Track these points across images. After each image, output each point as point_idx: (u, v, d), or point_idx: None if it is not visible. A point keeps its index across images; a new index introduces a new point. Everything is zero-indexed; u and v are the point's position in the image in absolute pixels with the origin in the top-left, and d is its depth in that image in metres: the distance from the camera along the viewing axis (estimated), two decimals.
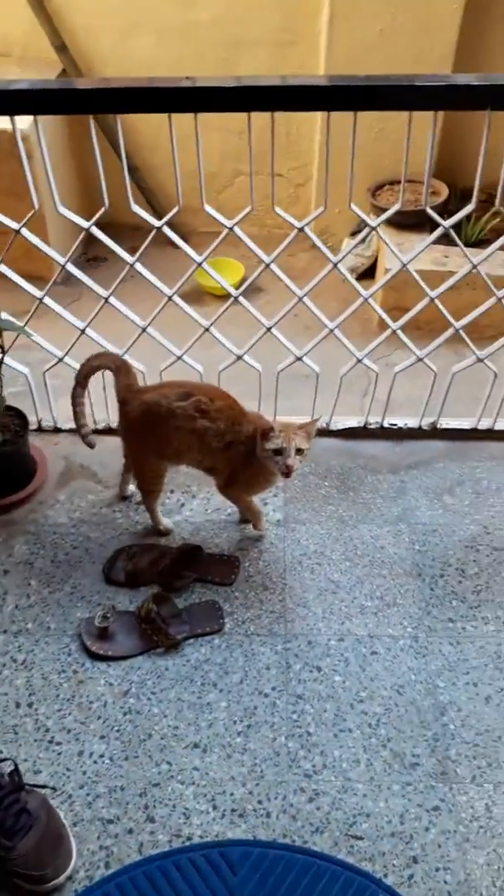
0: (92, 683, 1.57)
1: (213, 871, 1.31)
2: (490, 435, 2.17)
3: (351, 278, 1.91)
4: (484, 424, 2.15)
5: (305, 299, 1.88)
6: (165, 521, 1.89)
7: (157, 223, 1.74)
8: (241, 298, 1.89)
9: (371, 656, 1.63)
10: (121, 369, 1.74)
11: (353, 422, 2.16)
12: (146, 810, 1.39)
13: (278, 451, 1.57)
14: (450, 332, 1.94)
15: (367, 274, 3.45)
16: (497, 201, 1.73)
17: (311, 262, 3.50)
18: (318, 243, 1.84)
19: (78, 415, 1.75)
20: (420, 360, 1.98)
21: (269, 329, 1.93)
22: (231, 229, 1.75)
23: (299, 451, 1.58)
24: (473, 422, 2.16)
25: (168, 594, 1.71)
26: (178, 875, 1.30)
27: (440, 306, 1.88)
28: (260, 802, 1.40)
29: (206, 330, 1.91)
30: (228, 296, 1.90)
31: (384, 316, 1.95)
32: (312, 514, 1.94)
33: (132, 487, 1.95)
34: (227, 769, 1.44)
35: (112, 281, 1.85)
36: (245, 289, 1.94)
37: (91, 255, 3.28)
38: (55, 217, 1.74)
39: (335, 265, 1.84)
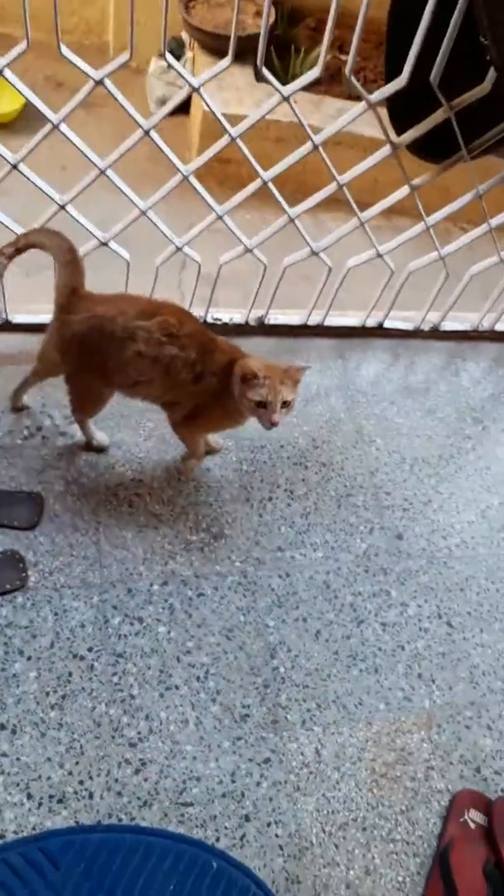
0: None
1: (33, 869, 1.18)
2: (319, 331, 2.00)
3: (163, 148, 1.53)
4: (314, 320, 1.97)
5: (63, 127, 1.41)
6: (100, 435, 1.61)
7: None
8: None
9: (197, 599, 1.50)
10: (70, 262, 1.36)
11: None
12: None
13: (262, 404, 1.31)
14: (256, 184, 1.59)
15: (180, 108, 2.96)
16: (326, 34, 1.35)
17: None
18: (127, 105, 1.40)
19: None
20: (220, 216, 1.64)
21: (14, 167, 1.46)
22: None
23: (285, 403, 1.33)
24: (303, 316, 1.96)
25: None
26: None
27: (243, 148, 1.51)
28: (81, 783, 1.27)
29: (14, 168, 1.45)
30: (7, 124, 1.44)
31: (175, 161, 1.53)
32: (129, 432, 1.69)
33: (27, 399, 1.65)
34: (41, 750, 1.28)
35: None
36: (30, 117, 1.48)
37: None
38: None
39: (146, 134, 1.43)
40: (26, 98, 1.36)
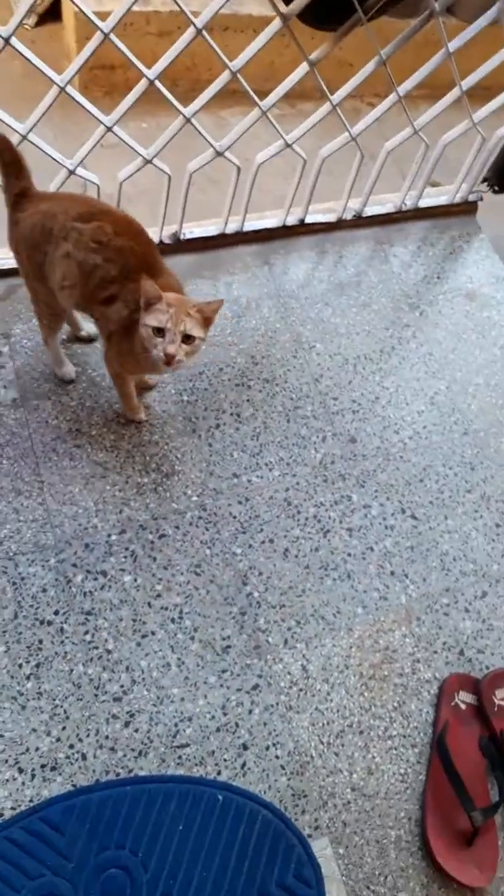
0: None
1: (37, 839, 1.16)
2: (238, 238, 1.88)
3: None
4: (232, 227, 1.85)
5: None
6: (68, 367, 1.55)
7: None
8: None
9: (159, 541, 1.45)
10: (14, 160, 1.28)
11: None
12: None
13: (160, 331, 1.19)
14: (142, 85, 1.43)
15: (51, 15, 2.68)
16: None
17: None
18: None
19: None
20: (111, 130, 1.48)
21: None
22: None
23: (188, 338, 1.20)
24: (220, 226, 1.84)
25: None
26: None
27: (118, 43, 1.34)
28: (72, 747, 1.24)
29: None
30: None
31: (47, 71, 1.35)
32: (55, 383, 1.58)
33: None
34: (24, 723, 1.24)
35: None
36: None
37: None
38: None
39: None
40: None
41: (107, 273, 1.28)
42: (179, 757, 1.26)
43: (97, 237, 1.25)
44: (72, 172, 1.50)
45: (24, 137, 1.42)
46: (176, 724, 1.28)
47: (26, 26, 2.58)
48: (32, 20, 2.58)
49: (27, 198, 1.31)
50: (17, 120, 1.42)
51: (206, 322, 1.24)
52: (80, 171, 1.51)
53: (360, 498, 1.58)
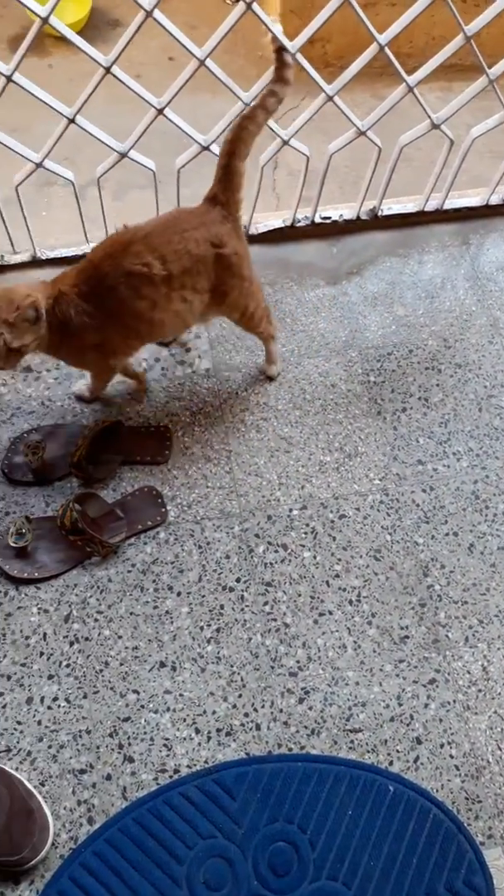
0: (22, 614, 1.31)
1: (211, 800, 1.19)
2: (438, 216, 1.80)
3: None
4: (432, 205, 1.77)
5: (157, 15, 1.23)
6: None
7: None
8: (54, 21, 1.21)
9: (340, 521, 1.43)
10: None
11: (277, 221, 1.72)
12: (121, 750, 1.22)
13: None
14: (370, 51, 1.37)
15: None
16: None
17: None
18: None
19: None
20: (330, 98, 1.43)
21: (107, 70, 1.30)
22: None
23: (15, 351, 1.18)
24: (420, 202, 1.77)
25: (93, 491, 1.40)
26: (172, 814, 1.17)
27: (357, 9, 1.29)
28: (246, 715, 1.26)
29: (9, 80, 1.28)
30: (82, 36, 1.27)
31: (278, 34, 1.27)
32: (247, 354, 1.59)
33: None
34: (202, 685, 1.27)
35: None
36: (94, 23, 1.33)
37: None
38: None
39: None
40: None
41: None
42: (352, 741, 1.24)
43: None
44: (286, 142, 1.49)
45: (246, 104, 1.41)
46: (350, 708, 1.26)
47: (228, 2, 2.60)
48: None
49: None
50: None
51: (35, 319, 1.18)
52: (293, 141, 1.50)
53: None
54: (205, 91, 1.36)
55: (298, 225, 1.71)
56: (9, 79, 1.25)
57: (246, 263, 1.34)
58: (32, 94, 1.29)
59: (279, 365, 1.57)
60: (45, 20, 1.19)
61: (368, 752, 1.24)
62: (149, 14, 1.21)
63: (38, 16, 1.19)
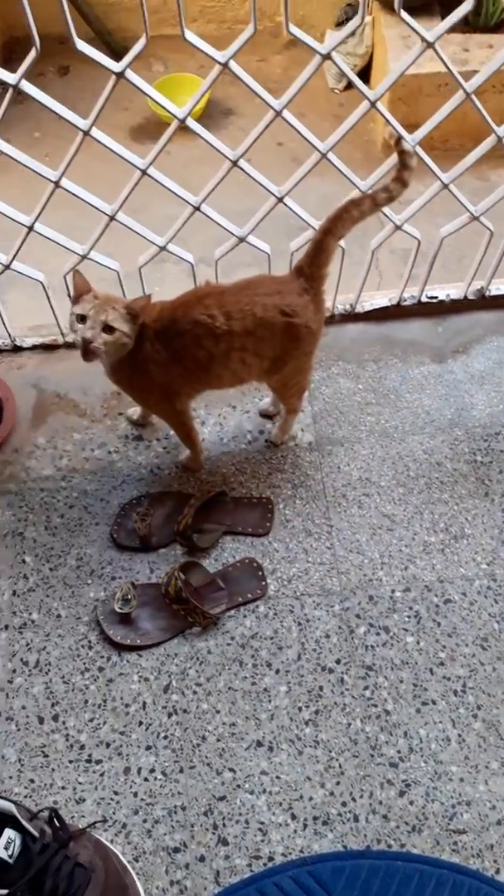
0: (123, 681, 1.32)
1: (305, 893, 1.14)
2: None
3: (352, 75, 1.36)
4: None
5: (285, 113, 1.31)
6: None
7: (114, 67, 1.20)
8: (189, 122, 1.30)
9: (445, 606, 1.39)
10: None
11: (383, 300, 1.75)
12: (216, 830, 1.20)
13: (82, 318, 1.24)
14: (489, 142, 1.42)
15: (360, 78, 2.80)
16: None
17: (289, 67, 2.83)
18: (300, 34, 1.22)
19: None
20: (445, 185, 1.47)
21: (234, 163, 1.37)
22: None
23: (109, 328, 1.23)
24: None
25: (196, 560, 1.42)
26: None
27: (477, 104, 1.33)
28: (344, 804, 1.21)
29: (144, 173, 1.36)
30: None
31: (398, 128, 1.35)
32: (350, 429, 1.60)
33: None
34: (299, 769, 1.24)
35: (45, 115, 1.29)
36: (208, 111, 1.40)
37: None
38: None
39: (326, 57, 1.25)
40: (251, 88, 1.25)
41: None
42: (455, 843, 1.18)
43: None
44: (398, 227, 1.53)
45: (364, 192, 1.45)
46: (453, 806, 1.20)
47: (336, 90, 2.73)
48: (342, 84, 2.72)
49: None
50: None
51: (133, 318, 1.25)
52: (406, 226, 1.53)
53: None
54: (314, 174, 1.43)
55: (404, 304, 1.74)
56: (144, 172, 1.35)
57: (314, 339, 1.38)
58: (163, 185, 1.38)
59: (288, 437, 1.59)
60: (182, 121, 1.28)
61: (473, 856, 1.17)
62: (278, 113, 1.28)
63: (176, 117, 1.28)
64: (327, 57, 1.25)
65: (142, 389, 1.42)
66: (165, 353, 1.31)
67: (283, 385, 1.45)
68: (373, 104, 1.31)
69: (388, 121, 1.35)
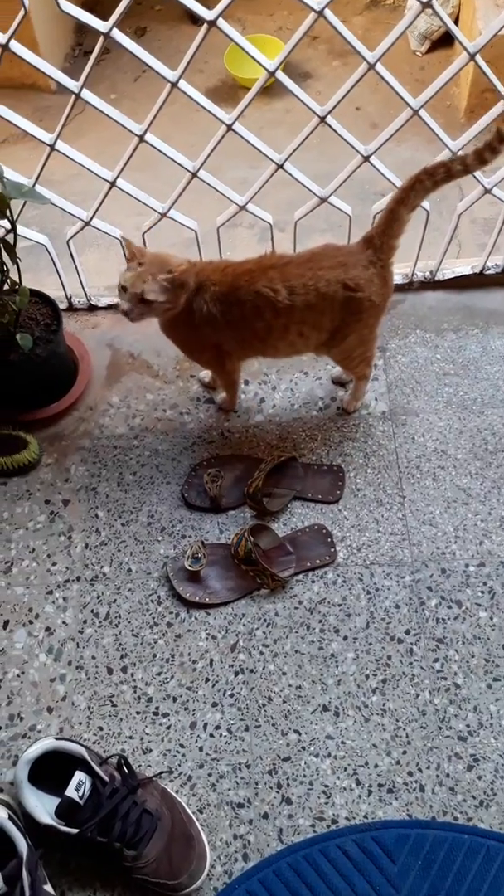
0: (191, 638, 1.33)
1: (368, 859, 1.14)
2: None
3: (451, 24, 1.28)
4: None
5: (378, 67, 1.27)
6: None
7: (207, 15, 1.18)
8: (279, 74, 1.27)
9: None
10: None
11: (465, 267, 1.70)
12: (279, 790, 1.20)
13: (123, 288, 1.23)
14: None
15: (443, 42, 2.71)
16: None
17: (369, 28, 2.75)
18: None
19: None
20: None
21: (322, 119, 1.33)
22: None
23: (145, 301, 1.21)
24: None
25: (265, 524, 1.41)
26: (329, 866, 1.14)
27: None
28: (410, 774, 1.20)
29: (229, 128, 1.34)
30: (268, 90, 1.31)
31: (495, 81, 1.29)
32: (426, 399, 1.56)
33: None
34: (366, 736, 1.23)
35: (120, 77, 1.30)
36: (285, 73, 1.33)
37: (88, 47, 2.58)
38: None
39: (426, 5, 1.20)
40: (346, 39, 1.21)
41: None
42: None
43: None
44: (487, 191, 1.47)
45: (455, 153, 1.40)
46: None
47: (418, 53, 2.64)
48: (425, 46, 2.63)
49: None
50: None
51: (171, 286, 1.22)
52: (495, 190, 1.48)
53: None
54: (392, 140, 1.39)
55: (488, 272, 1.68)
56: (229, 127, 1.32)
57: (377, 312, 1.34)
58: (248, 141, 1.35)
59: (360, 404, 1.55)
60: (272, 73, 1.26)
61: None
62: (371, 66, 1.24)
63: (267, 69, 1.25)
64: (427, 5, 1.20)
65: (193, 347, 1.42)
66: (223, 318, 1.29)
67: (345, 357, 1.42)
68: (472, 56, 1.26)
69: (484, 73, 1.29)
